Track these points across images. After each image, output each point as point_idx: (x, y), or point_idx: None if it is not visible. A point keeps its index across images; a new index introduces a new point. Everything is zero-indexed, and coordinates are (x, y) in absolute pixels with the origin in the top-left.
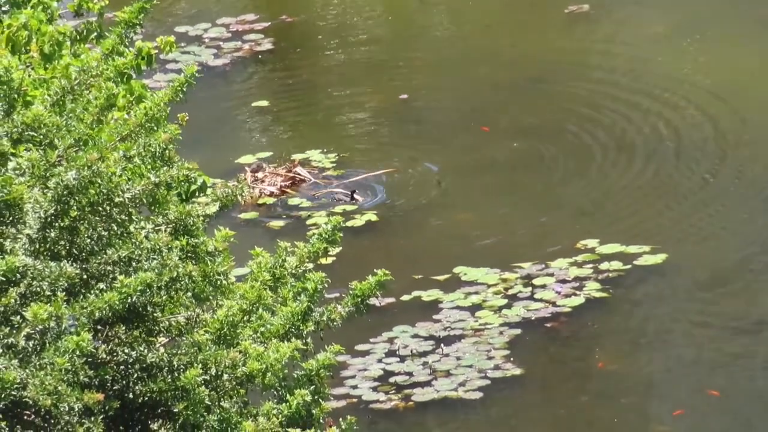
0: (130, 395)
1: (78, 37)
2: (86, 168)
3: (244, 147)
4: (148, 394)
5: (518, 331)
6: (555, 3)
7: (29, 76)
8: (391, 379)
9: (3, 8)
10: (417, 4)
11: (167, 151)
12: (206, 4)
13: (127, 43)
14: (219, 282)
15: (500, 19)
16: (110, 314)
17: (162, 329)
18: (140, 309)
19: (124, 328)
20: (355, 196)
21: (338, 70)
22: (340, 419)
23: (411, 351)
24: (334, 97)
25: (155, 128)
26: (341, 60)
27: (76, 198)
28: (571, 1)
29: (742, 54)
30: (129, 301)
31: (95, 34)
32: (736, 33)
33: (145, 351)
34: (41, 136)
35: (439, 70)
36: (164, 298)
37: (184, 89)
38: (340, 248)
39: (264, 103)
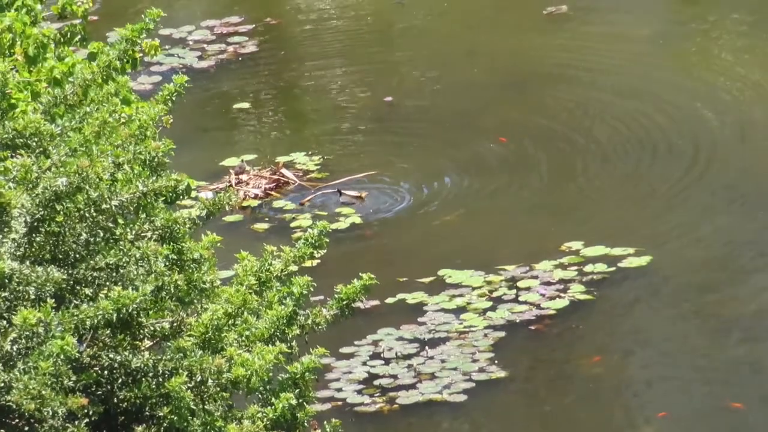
0: (115, 400)
1: (62, 39)
2: (76, 175)
3: (228, 149)
4: (133, 400)
5: (503, 333)
6: (533, 4)
7: (14, 78)
8: (376, 382)
9: None
10: (398, 7)
11: (156, 159)
12: (190, 6)
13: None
14: (204, 287)
15: (480, 20)
16: (102, 323)
17: (147, 333)
18: (126, 315)
19: (108, 332)
20: (365, 198)
21: (322, 73)
22: (325, 422)
23: (396, 354)
24: (319, 99)
25: (144, 137)
26: (325, 62)
27: (64, 203)
28: (550, 2)
29: (724, 55)
30: (124, 312)
31: (79, 36)
32: (718, 34)
33: (130, 356)
34: (34, 144)
35: (422, 72)
36: (149, 303)
37: (174, 98)
38: (325, 250)
39: (248, 105)
